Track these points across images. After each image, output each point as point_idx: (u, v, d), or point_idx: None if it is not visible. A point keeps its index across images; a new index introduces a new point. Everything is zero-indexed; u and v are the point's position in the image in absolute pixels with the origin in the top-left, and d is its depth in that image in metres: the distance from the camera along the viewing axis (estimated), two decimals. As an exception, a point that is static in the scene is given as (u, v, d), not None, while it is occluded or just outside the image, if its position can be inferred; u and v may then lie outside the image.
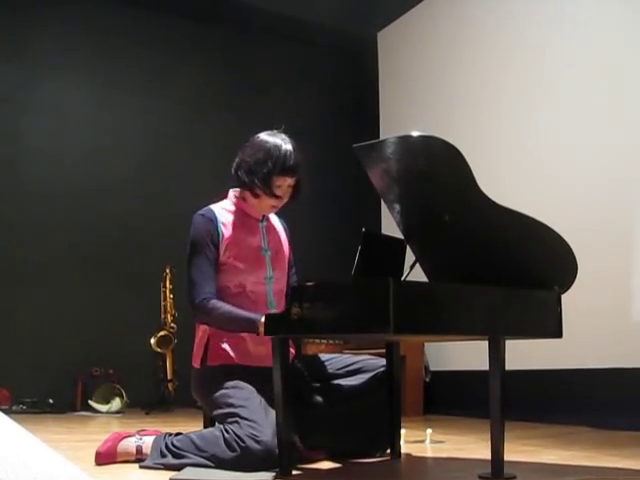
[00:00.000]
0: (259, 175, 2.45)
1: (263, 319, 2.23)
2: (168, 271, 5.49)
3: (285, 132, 2.54)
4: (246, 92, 6.24)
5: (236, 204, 2.58)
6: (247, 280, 2.48)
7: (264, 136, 2.52)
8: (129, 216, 5.76)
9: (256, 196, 2.50)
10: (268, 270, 2.53)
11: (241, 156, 2.52)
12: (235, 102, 6.20)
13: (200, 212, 2.52)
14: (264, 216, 2.60)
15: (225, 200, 2.61)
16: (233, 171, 2.53)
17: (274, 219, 2.69)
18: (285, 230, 2.72)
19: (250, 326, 2.30)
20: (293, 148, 2.48)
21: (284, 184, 2.49)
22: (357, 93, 6.56)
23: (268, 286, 2.52)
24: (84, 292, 5.54)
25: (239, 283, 2.47)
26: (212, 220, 2.48)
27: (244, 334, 2.45)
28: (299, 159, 2.48)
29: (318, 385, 2.51)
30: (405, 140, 2.07)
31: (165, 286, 5.48)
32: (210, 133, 6.07)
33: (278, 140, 2.49)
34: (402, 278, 2.21)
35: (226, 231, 2.50)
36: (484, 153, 5.02)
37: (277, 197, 2.49)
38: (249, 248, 2.52)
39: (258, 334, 2.29)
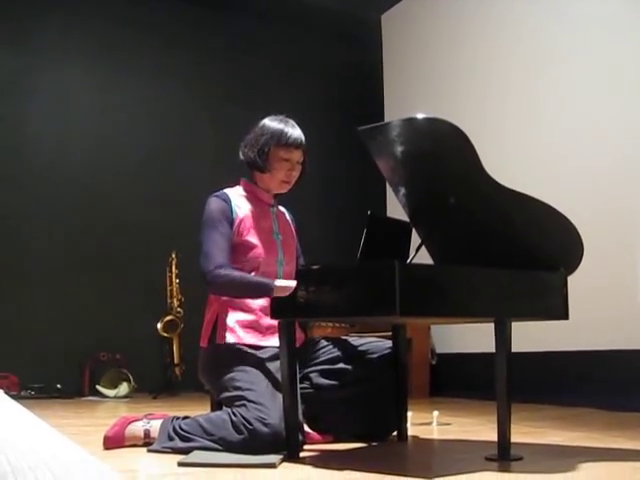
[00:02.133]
0: (258, 147, 2.50)
1: (277, 283, 2.25)
2: (174, 256, 5.51)
3: (288, 117, 2.56)
4: (247, 77, 6.23)
5: (248, 189, 2.61)
6: (261, 260, 2.49)
7: (268, 120, 2.56)
8: (134, 201, 5.77)
9: (263, 171, 2.53)
10: (279, 253, 2.55)
11: (246, 138, 2.57)
12: (236, 87, 6.18)
13: (214, 194, 2.54)
14: (275, 201, 2.63)
15: (236, 187, 2.63)
16: (240, 154, 2.56)
17: (282, 209, 2.72)
18: (292, 221, 2.74)
19: (264, 289, 2.30)
20: (295, 125, 2.54)
21: (291, 157, 2.51)
22: (361, 77, 6.54)
23: (280, 269, 2.53)
24: (90, 277, 5.56)
25: (253, 262, 2.48)
26: (226, 201, 2.51)
27: (254, 311, 2.46)
28: (302, 134, 2.53)
29: (325, 368, 2.52)
30: (410, 122, 2.07)
31: (171, 271, 5.50)
32: (211, 117, 6.07)
33: (282, 124, 2.53)
34: (408, 261, 2.22)
35: (240, 212, 2.52)
36: (490, 135, 5.00)
37: (280, 169, 2.51)
38: (262, 230, 2.54)
39: (271, 298, 2.29)
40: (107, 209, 5.69)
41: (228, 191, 2.57)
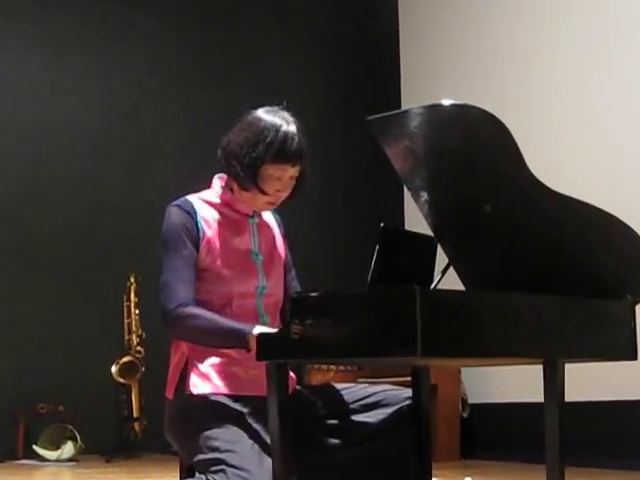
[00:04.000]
0: (246, 161, 2.46)
1: (255, 331, 2.26)
2: (133, 280, 5.50)
3: (288, 109, 2.54)
4: (230, 52, 6.20)
5: (221, 195, 2.60)
6: (234, 291, 2.50)
7: (260, 112, 2.52)
8: (84, 209, 5.76)
9: (244, 189, 2.53)
10: (260, 279, 2.56)
11: (229, 136, 2.54)
12: (216, 65, 6.17)
13: (175, 203, 2.54)
14: (255, 211, 2.62)
15: (207, 190, 2.63)
16: (219, 153, 2.55)
17: (266, 213, 2.71)
18: (279, 225, 2.74)
19: (237, 339, 2.32)
20: (297, 129, 2.49)
21: (283, 175, 2.49)
22: (372, 54, 6.54)
23: (259, 299, 2.54)
24: (26, 306, 5.53)
25: (224, 294, 2.50)
26: (190, 214, 2.51)
27: (233, 354, 2.47)
28: (303, 144, 2.49)
29: (327, 423, 2.51)
30: (434, 110, 2.08)
31: (129, 299, 5.49)
32: (184, 104, 6.07)
33: (277, 119, 2.49)
34: (432, 286, 2.23)
35: (208, 228, 2.52)
36: (532, 125, 5.01)
37: (269, 194, 2.51)
38: (236, 251, 2.55)
39: (248, 350, 2.31)
40: (50, 219, 5.67)
41: (192, 199, 2.56)
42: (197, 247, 2.49)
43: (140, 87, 6.01)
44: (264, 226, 2.66)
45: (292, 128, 2.48)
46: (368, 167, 6.11)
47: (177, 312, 2.40)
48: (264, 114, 2.51)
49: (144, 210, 5.41)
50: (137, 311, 5.53)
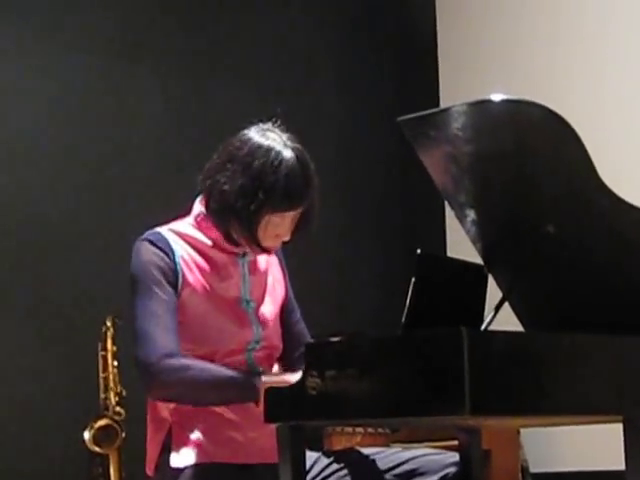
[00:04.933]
0: (242, 215, 2.46)
1: (265, 378, 2.31)
2: (109, 324, 5.47)
3: (284, 121, 2.56)
4: (214, 29, 6.19)
5: (203, 227, 2.59)
6: (221, 349, 2.52)
7: (251, 143, 2.50)
8: (46, 237, 5.76)
9: (235, 244, 2.55)
10: (254, 331, 2.57)
11: (213, 168, 2.52)
12: (196, 45, 6.13)
13: (146, 237, 2.55)
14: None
15: (186, 219, 2.62)
16: (200, 187, 2.55)
17: None
18: (279, 257, 2.75)
19: (244, 391, 2.33)
20: (300, 162, 2.48)
21: (284, 220, 2.51)
22: (405, 42, 6.56)
23: (249, 353, 2.56)
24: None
25: (207, 353, 2.51)
26: (166, 252, 2.52)
27: (228, 414, 2.47)
28: (311, 178, 2.50)
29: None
30: (481, 108, 2.09)
31: (105, 348, 5.46)
32: (169, 104, 6.05)
33: (274, 153, 2.47)
34: (482, 326, 2.23)
35: (188, 272, 2.53)
36: (601, 128, 5.00)
37: (268, 251, 2.56)
38: (222, 300, 2.56)
39: (257, 404, 2.32)
40: (7, 250, 5.68)
41: (166, 233, 2.56)
42: (176, 293, 2.51)
43: (114, 90, 5.99)
44: (258, 264, 2.67)
45: (293, 161, 2.46)
46: (401, 180, 6.09)
47: (163, 365, 2.40)
48: (257, 147, 2.48)
49: (122, 241, 5.40)
50: (115, 363, 5.51)
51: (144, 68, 6.09)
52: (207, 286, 2.55)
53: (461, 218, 2.33)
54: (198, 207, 2.61)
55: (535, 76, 5.47)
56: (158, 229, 2.58)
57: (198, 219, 2.60)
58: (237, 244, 2.54)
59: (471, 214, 2.31)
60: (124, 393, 5.46)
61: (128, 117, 5.98)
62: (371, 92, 6.38)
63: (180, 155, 5.54)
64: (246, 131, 2.54)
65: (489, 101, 2.06)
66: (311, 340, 2.29)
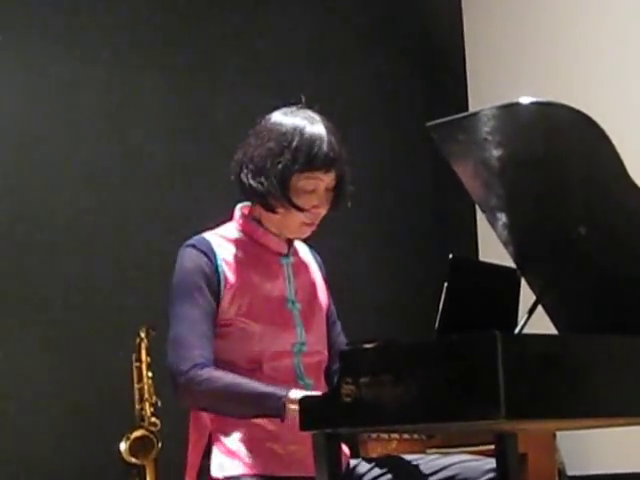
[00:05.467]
0: (272, 173, 2.50)
1: (293, 394, 2.29)
2: (143, 335, 5.47)
3: (309, 105, 2.60)
4: (247, 44, 6.18)
5: (245, 229, 2.63)
6: (266, 350, 2.52)
7: (277, 115, 2.58)
8: (81, 245, 5.76)
9: (272, 210, 2.56)
10: (298, 333, 2.58)
11: (243, 150, 2.59)
12: (225, 63, 6.15)
13: (190, 243, 2.58)
14: (290, 248, 2.65)
15: (228, 225, 2.66)
16: (234, 175, 2.60)
17: (303, 251, 2.74)
18: (320, 267, 2.76)
19: (269, 406, 2.34)
20: (325, 128, 2.53)
21: (318, 186, 2.54)
22: (432, 41, 6.54)
23: (297, 358, 2.56)
24: (9, 366, 5.54)
25: (253, 355, 2.51)
26: (208, 256, 2.54)
27: (267, 425, 2.47)
28: (335, 145, 2.53)
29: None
30: (511, 111, 2.09)
31: (140, 359, 5.47)
32: (191, 110, 6.04)
33: (298, 120, 2.54)
34: (516, 330, 2.22)
35: (231, 273, 2.54)
36: (631, 127, 4.97)
37: (305, 210, 2.54)
38: (267, 299, 2.57)
39: (283, 419, 2.32)
40: (41, 260, 5.69)
41: (210, 236, 2.60)
42: (217, 298, 2.52)
43: (137, 97, 5.98)
44: (301, 267, 2.68)
45: (319, 128, 2.52)
46: (431, 184, 6.07)
47: (190, 375, 2.42)
48: (283, 117, 2.57)
49: (157, 251, 5.41)
50: (150, 374, 5.52)
51: (155, 72, 6.07)
52: (252, 286, 2.56)
53: (493, 222, 2.33)
54: (238, 211, 2.65)
55: (564, 77, 5.45)
56: (203, 234, 2.60)
57: (239, 221, 2.63)
58: (274, 209, 2.54)
59: (502, 218, 2.31)
60: (159, 404, 5.48)
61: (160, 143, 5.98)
62: (400, 97, 6.37)
63: (214, 164, 5.49)
64: (270, 115, 2.60)
65: (518, 104, 2.05)
66: (345, 347, 2.29)
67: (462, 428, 3.20)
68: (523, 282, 2.37)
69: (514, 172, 2.21)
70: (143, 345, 5.53)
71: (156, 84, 5.78)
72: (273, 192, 2.51)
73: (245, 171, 2.55)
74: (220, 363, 2.48)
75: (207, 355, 2.45)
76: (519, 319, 2.29)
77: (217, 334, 2.51)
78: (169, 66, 5.96)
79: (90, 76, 5.77)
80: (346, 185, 2.59)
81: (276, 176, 2.50)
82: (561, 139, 2.09)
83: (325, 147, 2.50)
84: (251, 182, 2.53)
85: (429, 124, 2.17)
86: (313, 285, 2.69)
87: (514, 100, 2.06)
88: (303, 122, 2.53)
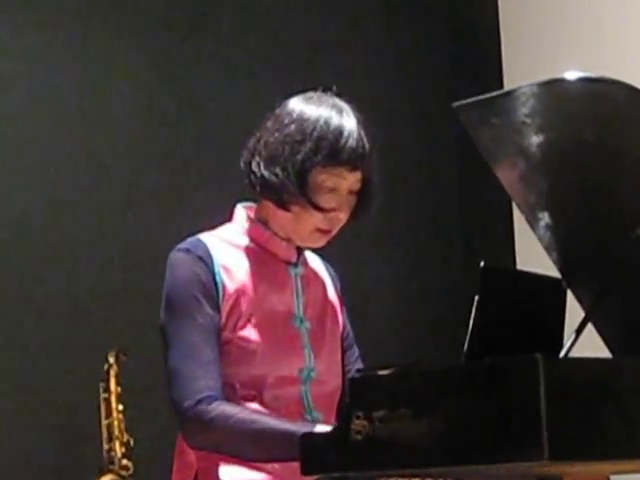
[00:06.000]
0: (289, 163, 2.52)
1: (321, 429, 2.29)
2: (113, 361, 5.48)
3: (339, 94, 2.62)
4: (260, 30, 6.20)
5: (250, 232, 2.65)
6: (268, 375, 2.53)
7: (301, 101, 2.60)
8: (33, 254, 5.77)
9: (285, 207, 2.57)
10: (306, 357, 2.60)
11: (257, 135, 2.61)
12: (229, 50, 6.17)
13: (182, 246, 2.60)
14: (299, 256, 2.66)
15: (228, 226, 2.68)
16: (243, 163, 2.62)
17: (314, 261, 2.76)
18: (334, 282, 2.79)
19: (294, 447, 2.29)
20: (355, 121, 2.56)
21: (340, 185, 2.55)
22: (460, 6, 6.54)
23: (304, 386, 2.57)
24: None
25: (253, 379, 2.53)
26: (205, 261, 2.56)
27: (268, 466, 2.48)
28: (365, 141, 2.55)
29: None
30: (554, 88, 2.09)
31: (109, 389, 5.46)
32: (179, 99, 6.07)
33: (325, 108, 2.56)
34: (562, 353, 2.22)
35: (230, 281, 2.56)
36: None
37: (325, 210, 2.55)
38: (272, 314, 2.59)
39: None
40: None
41: (207, 238, 2.61)
42: (218, 308, 2.54)
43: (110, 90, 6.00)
44: (312, 280, 2.71)
45: (348, 119, 2.54)
46: (458, 178, 6.09)
47: (197, 413, 2.43)
48: (306, 102, 2.59)
49: (124, 262, 5.39)
50: (121, 407, 5.52)
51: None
52: (255, 297, 2.57)
53: (533, 222, 2.34)
54: (241, 210, 2.67)
55: (615, 47, 5.45)
56: (199, 235, 2.62)
57: (241, 221, 2.66)
58: (287, 208, 2.55)
59: (545, 217, 2.32)
60: (132, 443, 5.47)
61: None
62: (422, 72, 6.36)
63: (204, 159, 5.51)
64: (292, 98, 2.63)
65: (563, 80, 2.05)
66: (355, 374, 2.28)
67: (497, 472, 3.19)
68: (569, 295, 2.37)
69: (558, 162, 2.21)
70: (112, 372, 5.52)
71: (135, 61, 5.80)
72: (288, 185, 2.53)
73: (257, 159, 2.58)
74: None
75: (214, 385, 2.47)
76: (565, 340, 2.30)
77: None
78: (151, 43, 5.99)
79: (61, 51, 5.82)
80: (373, 190, 2.61)
81: (294, 167, 2.52)
82: (615, 121, 2.09)
83: (353, 141, 2.52)
84: (263, 172, 2.55)
85: (456, 104, 2.17)
86: (325, 301, 2.72)
87: (558, 75, 2.05)
88: (330, 110, 2.55)
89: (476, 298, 2.07)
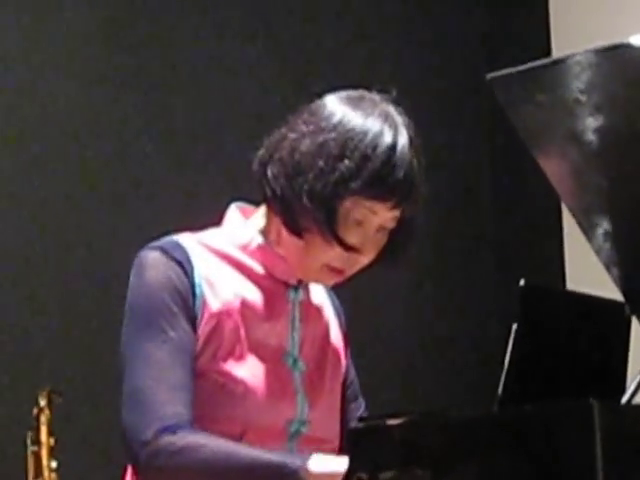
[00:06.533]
0: (318, 182, 2.48)
1: (315, 465, 2.29)
2: (44, 403, 5.48)
3: (398, 102, 2.60)
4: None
5: (244, 242, 2.64)
6: (249, 424, 2.52)
7: (343, 105, 2.57)
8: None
9: (298, 234, 2.55)
10: (298, 405, 2.58)
11: (283, 134, 2.58)
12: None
13: (156, 245, 2.58)
14: (301, 280, 2.65)
15: (214, 231, 2.68)
16: (258, 163, 2.60)
17: (315, 288, 2.74)
18: (338, 316, 2.79)
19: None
20: (410, 144, 2.52)
21: (370, 221, 2.53)
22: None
23: (290, 443, 2.56)
24: None
25: (229, 428, 2.50)
26: (184, 267, 2.54)
27: None
28: (419, 173, 2.52)
29: None
30: (617, 56, 2.09)
31: (38, 440, 5.48)
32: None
33: (376, 120, 2.52)
34: (625, 397, 2.23)
35: (213, 297, 2.54)
36: None
37: (348, 246, 2.51)
38: (261, 347, 2.57)
39: None
40: None
41: (187, 242, 2.59)
42: (194, 325, 2.52)
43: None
44: (312, 310, 2.70)
45: (401, 140, 2.51)
46: (492, 173, 6.14)
47: (161, 444, 2.40)
48: (354, 107, 2.56)
49: (56, 277, 5.41)
50: (54, 464, 5.52)
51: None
52: (242, 322, 2.55)
53: (588, 230, 2.32)
54: (234, 213, 2.67)
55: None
56: (176, 236, 2.60)
57: (235, 227, 2.65)
58: (299, 233, 2.54)
59: (603, 224, 2.31)
60: (67, 509, 5.48)
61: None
62: (455, 38, 6.41)
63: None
64: (325, 99, 2.61)
65: (628, 46, 2.05)
66: (357, 424, 2.26)
67: None
68: (635, 323, 2.36)
69: (621, 151, 2.20)
70: (44, 419, 5.52)
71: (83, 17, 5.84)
72: (310, 210, 2.50)
73: (277, 165, 2.55)
74: None
75: (183, 411, 2.45)
76: (628, 380, 2.30)
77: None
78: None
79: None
80: (410, 234, 2.60)
81: (324, 188, 2.48)
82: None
83: (402, 171, 2.48)
84: (282, 184, 2.53)
85: (491, 76, 2.18)
86: (326, 341, 2.70)
87: (620, 41, 2.05)
88: (382, 124, 2.51)
89: (514, 327, 2.05)
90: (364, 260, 2.56)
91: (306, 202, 2.49)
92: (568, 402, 1.89)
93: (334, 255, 2.54)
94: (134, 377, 2.48)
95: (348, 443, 2.15)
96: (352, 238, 2.51)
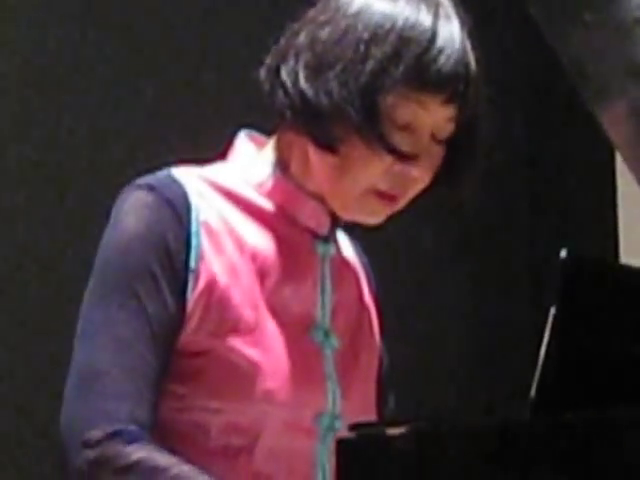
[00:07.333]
0: (353, 77, 2.23)
1: None
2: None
3: None
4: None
5: (259, 178, 2.37)
6: (268, 419, 2.27)
7: None
8: None
9: (332, 147, 2.27)
10: (329, 394, 2.34)
11: (295, 30, 2.34)
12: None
13: (145, 181, 2.29)
14: (333, 227, 2.43)
15: (222, 165, 2.42)
16: (266, 71, 2.33)
17: (344, 242, 2.54)
18: (368, 277, 2.56)
19: None
20: (461, 27, 2.30)
21: (422, 122, 2.27)
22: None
23: (322, 444, 2.32)
24: None
25: (243, 421, 2.26)
26: (177, 211, 2.24)
27: None
28: (472, 59, 2.31)
29: None
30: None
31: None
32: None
33: (415, 3, 2.28)
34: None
35: (214, 252, 2.26)
36: None
37: (398, 152, 2.24)
38: (281, 316, 2.31)
39: None
40: None
41: (186, 177, 2.31)
42: (183, 295, 2.23)
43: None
44: (345, 270, 2.47)
45: (447, 22, 2.30)
46: (526, 142, 6.01)
47: (107, 452, 2.17)
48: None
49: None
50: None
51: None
52: (252, 285, 2.29)
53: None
54: (244, 143, 2.40)
55: None
56: (172, 170, 2.33)
57: (245, 159, 2.40)
58: (333, 147, 2.27)
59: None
60: None
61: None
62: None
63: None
64: None
65: None
66: (349, 434, 1.97)
67: None
68: None
69: None
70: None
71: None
72: (345, 109, 2.25)
73: (293, 64, 2.29)
74: (181, 434, 2.26)
75: (143, 415, 2.19)
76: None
77: (175, 372, 2.24)
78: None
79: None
80: (472, 146, 2.34)
81: (357, 80, 2.24)
82: None
83: (453, 54, 2.26)
84: (303, 86, 2.27)
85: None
86: (360, 306, 2.47)
87: None
88: (418, 3, 2.30)
89: (552, 310, 1.78)
90: (418, 181, 2.31)
91: (338, 101, 2.25)
92: (617, 410, 1.72)
93: (380, 172, 2.28)
94: (86, 354, 2.23)
95: (338, 457, 1.89)
96: (402, 146, 2.27)
